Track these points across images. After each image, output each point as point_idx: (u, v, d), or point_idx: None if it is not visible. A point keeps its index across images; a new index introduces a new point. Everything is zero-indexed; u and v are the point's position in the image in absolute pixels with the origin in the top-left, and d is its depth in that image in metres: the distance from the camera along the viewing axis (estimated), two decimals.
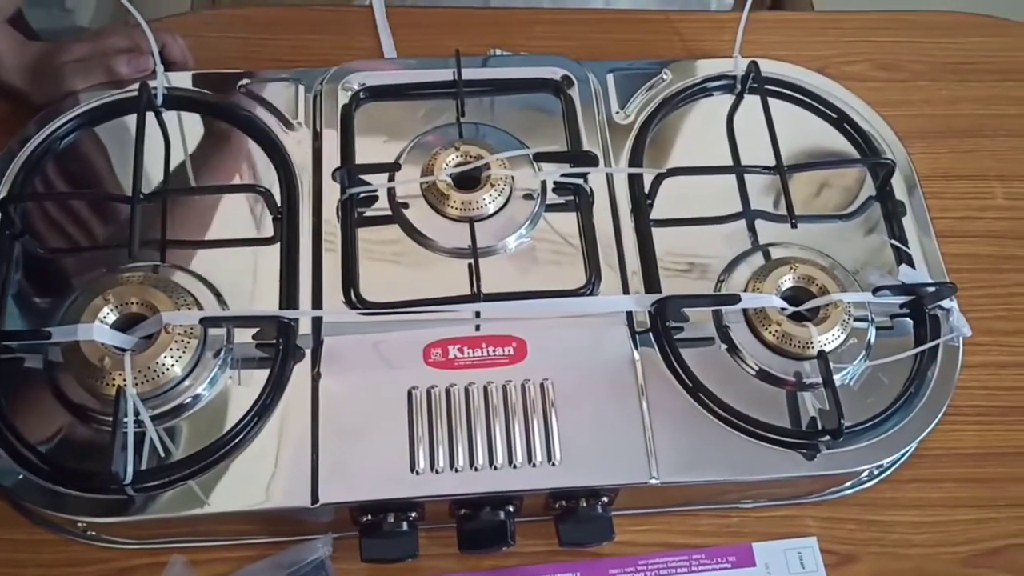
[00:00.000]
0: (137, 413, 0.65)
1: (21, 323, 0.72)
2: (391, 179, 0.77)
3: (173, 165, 0.79)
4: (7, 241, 0.74)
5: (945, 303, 0.74)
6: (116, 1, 1.53)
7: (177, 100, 0.82)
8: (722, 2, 1.16)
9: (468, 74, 0.83)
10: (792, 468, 0.69)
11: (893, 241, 0.79)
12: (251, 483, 0.66)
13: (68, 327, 0.67)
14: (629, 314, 0.73)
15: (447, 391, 0.69)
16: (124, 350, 0.67)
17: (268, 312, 0.72)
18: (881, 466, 0.72)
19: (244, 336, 0.71)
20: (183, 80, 0.83)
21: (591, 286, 0.73)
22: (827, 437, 0.69)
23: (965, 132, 0.91)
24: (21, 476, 0.66)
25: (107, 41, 0.83)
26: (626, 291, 0.74)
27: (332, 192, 0.77)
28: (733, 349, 0.73)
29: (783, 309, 0.72)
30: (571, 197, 0.78)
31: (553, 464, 0.67)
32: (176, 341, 0.68)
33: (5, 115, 0.84)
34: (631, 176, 0.80)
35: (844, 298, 0.72)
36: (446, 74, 0.83)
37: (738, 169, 0.82)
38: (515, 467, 0.67)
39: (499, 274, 0.74)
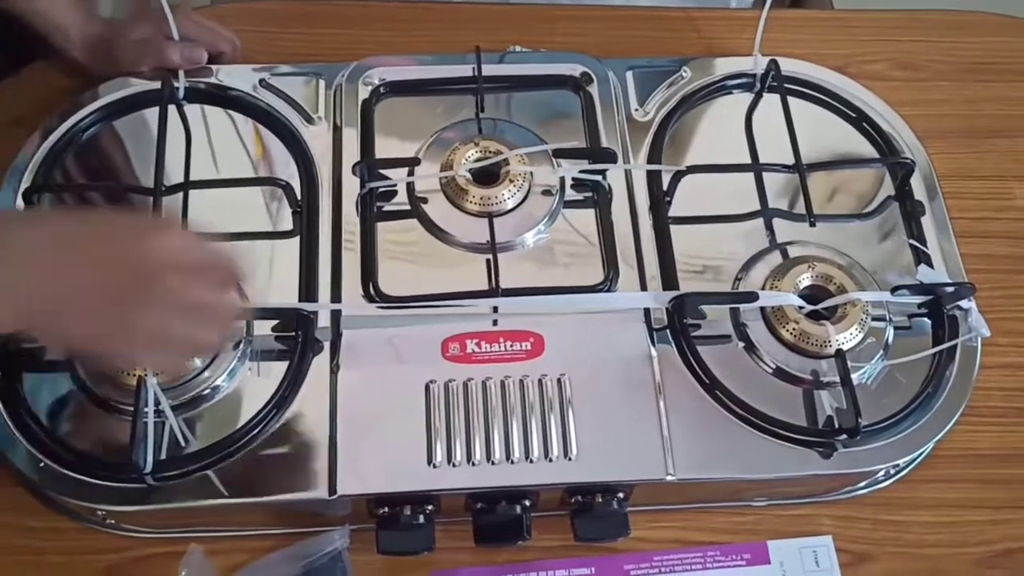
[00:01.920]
0: (158, 403, 0.66)
1: None
2: (410, 174, 0.78)
3: (194, 158, 0.80)
4: None
5: (964, 303, 0.73)
6: None
7: (198, 94, 0.83)
8: None
9: (488, 70, 0.83)
10: (808, 467, 0.69)
11: (912, 241, 0.79)
12: (269, 474, 0.67)
13: None
14: (647, 311, 0.73)
15: (464, 385, 0.69)
16: None
17: (288, 304, 0.72)
18: (898, 466, 0.72)
19: (263, 328, 0.71)
20: (204, 73, 0.83)
21: (609, 282, 0.74)
22: (844, 436, 0.69)
23: (985, 132, 0.90)
24: (43, 464, 0.66)
25: (166, 26, 0.83)
26: (644, 288, 0.74)
27: (352, 186, 0.77)
28: (750, 347, 0.73)
29: (800, 307, 0.72)
30: (589, 193, 0.78)
31: (569, 459, 0.67)
32: None
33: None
34: (650, 173, 0.80)
35: (862, 296, 0.72)
36: (466, 70, 0.83)
37: (757, 167, 0.82)
38: (532, 462, 0.67)
39: (517, 269, 0.74)
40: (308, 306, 0.71)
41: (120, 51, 0.83)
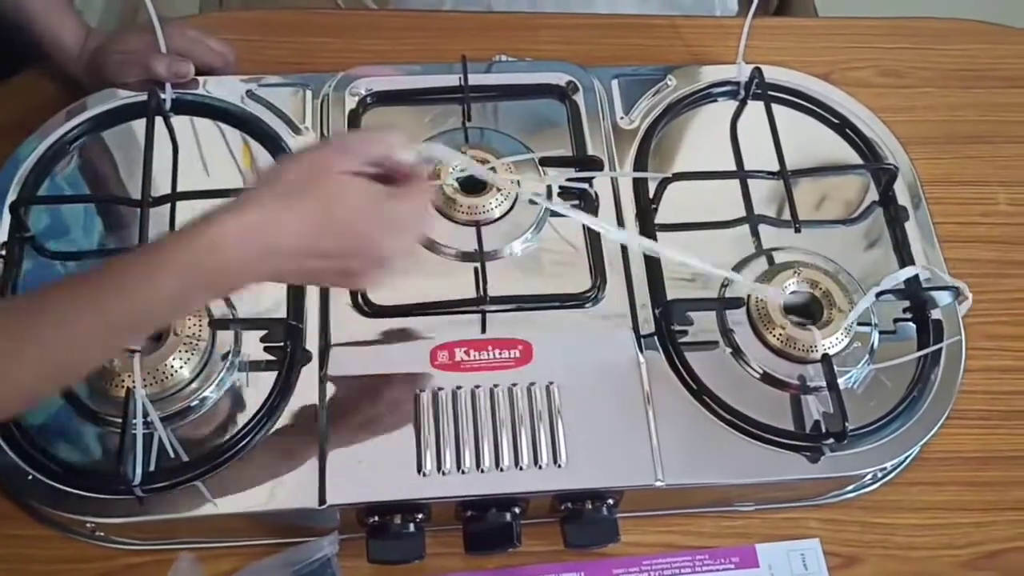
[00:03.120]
0: (146, 414, 0.66)
1: None
2: None
3: (181, 169, 0.80)
4: (17, 244, 0.75)
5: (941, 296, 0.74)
6: (123, 1, 1.54)
7: (185, 105, 0.83)
8: (726, 7, 1.17)
9: (474, 79, 0.83)
10: (796, 471, 0.69)
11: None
12: (259, 484, 0.67)
13: None
14: (634, 318, 0.73)
15: (454, 393, 0.69)
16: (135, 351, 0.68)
17: (276, 315, 0.72)
18: (884, 469, 0.73)
19: (252, 339, 0.71)
20: (191, 84, 0.83)
21: (596, 290, 0.74)
22: (831, 440, 0.69)
23: (968, 138, 0.91)
24: (31, 477, 0.66)
25: (146, 33, 0.83)
26: (631, 295, 0.75)
27: None
28: (737, 352, 0.73)
29: (786, 312, 0.73)
30: (576, 201, 0.79)
31: (559, 466, 0.67)
32: (185, 344, 0.69)
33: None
34: (636, 181, 0.80)
35: (852, 315, 0.73)
36: (452, 79, 0.84)
37: (742, 174, 0.82)
38: (521, 469, 0.67)
39: (505, 278, 0.74)
40: (297, 317, 0.71)
41: (107, 63, 0.83)
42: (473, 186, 0.77)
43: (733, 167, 0.83)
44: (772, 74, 0.87)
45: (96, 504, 0.66)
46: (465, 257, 0.75)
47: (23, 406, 0.63)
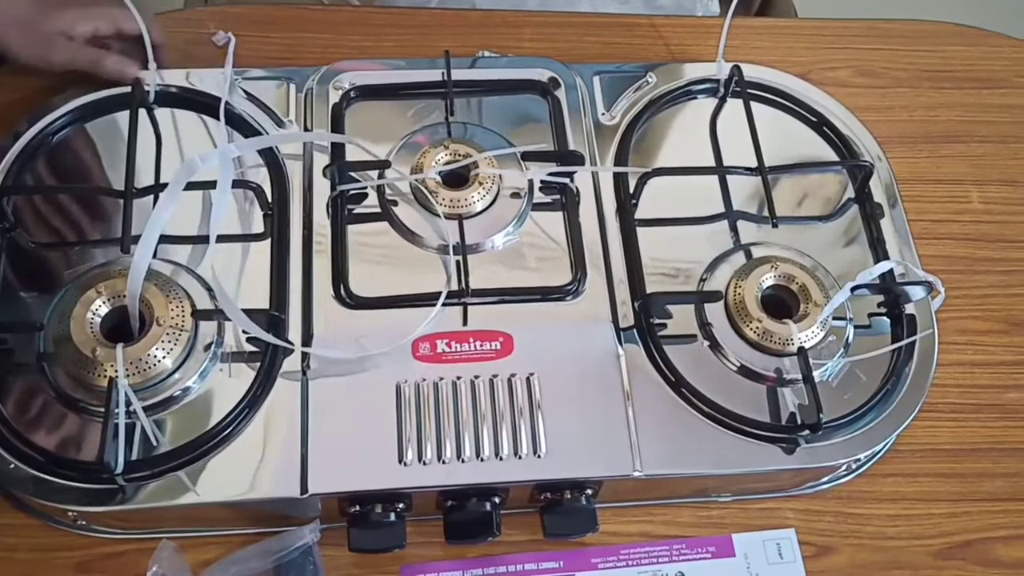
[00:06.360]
0: (129, 404, 0.66)
1: (12, 316, 0.72)
2: (381, 176, 0.79)
3: (164, 161, 0.80)
4: None
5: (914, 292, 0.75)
6: None
7: (169, 97, 0.83)
8: (707, 8, 1.18)
9: (457, 75, 0.84)
10: (772, 462, 0.70)
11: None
12: (241, 473, 0.67)
13: None
14: (614, 311, 0.74)
15: (435, 384, 0.70)
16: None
17: (259, 306, 0.72)
18: (859, 460, 0.74)
19: (235, 330, 0.72)
20: (175, 77, 0.83)
21: (577, 283, 0.75)
22: (806, 431, 0.70)
23: (942, 137, 0.93)
24: (12, 465, 0.66)
25: (97, 20, 0.81)
26: (611, 288, 0.75)
27: (322, 189, 0.78)
28: (715, 346, 0.74)
29: (763, 306, 0.74)
30: (557, 196, 0.80)
31: (539, 456, 0.68)
32: (167, 334, 0.69)
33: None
34: (616, 176, 0.81)
35: (820, 293, 0.74)
36: (435, 74, 0.84)
37: (721, 170, 0.83)
38: (501, 459, 0.68)
39: (487, 271, 0.75)
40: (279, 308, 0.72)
41: (52, 44, 0.80)
42: (455, 180, 0.78)
43: (712, 163, 0.84)
44: (751, 72, 0.88)
45: (78, 493, 0.66)
46: (447, 250, 0.76)
47: None
